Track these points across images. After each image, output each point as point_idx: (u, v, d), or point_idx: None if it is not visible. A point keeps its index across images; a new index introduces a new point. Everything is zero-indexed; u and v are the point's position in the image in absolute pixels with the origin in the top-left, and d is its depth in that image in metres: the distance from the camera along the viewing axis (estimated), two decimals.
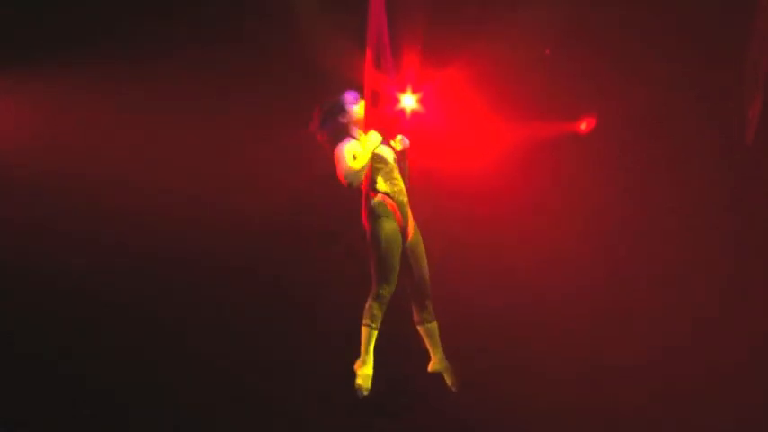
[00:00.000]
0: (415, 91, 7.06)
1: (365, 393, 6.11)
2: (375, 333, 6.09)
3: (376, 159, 6.18)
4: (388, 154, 6.31)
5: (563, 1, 8.04)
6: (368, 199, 6.14)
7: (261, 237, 8.40)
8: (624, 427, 8.16)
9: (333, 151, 6.17)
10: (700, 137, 8.32)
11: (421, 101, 7.08)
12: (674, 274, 8.35)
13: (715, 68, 8.21)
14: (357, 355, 6.17)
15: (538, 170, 8.45)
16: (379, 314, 6.08)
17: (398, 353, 7.53)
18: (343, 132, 6.22)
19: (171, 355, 8.33)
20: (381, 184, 6.17)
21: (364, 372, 6.10)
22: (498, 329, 8.36)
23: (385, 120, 6.36)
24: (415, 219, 6.31)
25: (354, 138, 6.22)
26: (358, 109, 6.24)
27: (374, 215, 6.13)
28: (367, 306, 6.09)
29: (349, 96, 6.27)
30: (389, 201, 6.16)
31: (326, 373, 8.16)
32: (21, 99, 8.21)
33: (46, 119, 8.23)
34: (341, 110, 6.24)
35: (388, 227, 6.11)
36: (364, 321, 6.08)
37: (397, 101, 6.84)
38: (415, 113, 7.04)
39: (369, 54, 5.96)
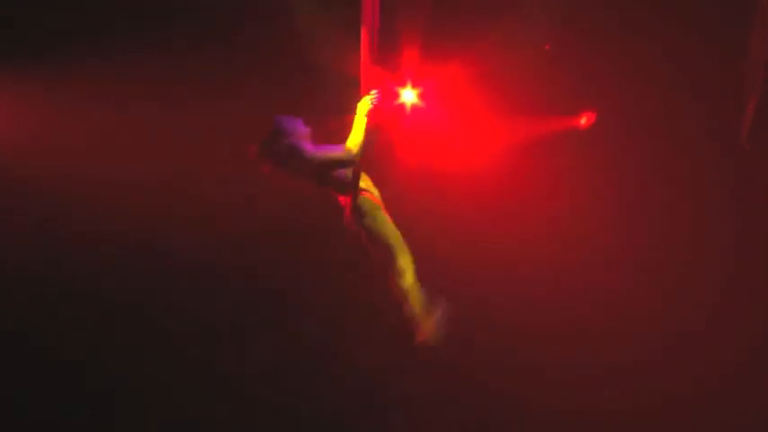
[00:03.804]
0: (414, 86, 7.09)
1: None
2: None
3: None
4: None
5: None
6: (354, 199, 6.20)
7: (261, 237, 8.40)
8: (624, 428, 8.15)
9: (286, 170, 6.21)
10: (700, 137, 8.33)
11: (421, 96, 7.12)
12: (674, 273, 8.36)
13: (715, 68, 8.22)
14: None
15: (537, 168, 8.45)
16: (412, 278, 6.15)
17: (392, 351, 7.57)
18: (292, 152, 6.18)
19: (171, 356, 8.33)
20: (363, 182, 6.26)
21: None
22: (497, 329, 8.36)
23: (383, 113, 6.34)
24: (414, 214, 6.34)
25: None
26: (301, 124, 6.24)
27: (361, 212, 6.22)
28: (396, 285, 6.17)
29: (284, 119, 6.25)
30: (371, 195, 6.26)
31: (326, 375, 8.20)
32: (21, 99, 8.22)
33: (46, 119, 8.24)
34: (282, 133, 6.21)
35: (379, 214, 6.23)
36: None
37: (397, 95, 6.87)
38: (414, 108, 7.07)
39: (364, 44, 5.96)
